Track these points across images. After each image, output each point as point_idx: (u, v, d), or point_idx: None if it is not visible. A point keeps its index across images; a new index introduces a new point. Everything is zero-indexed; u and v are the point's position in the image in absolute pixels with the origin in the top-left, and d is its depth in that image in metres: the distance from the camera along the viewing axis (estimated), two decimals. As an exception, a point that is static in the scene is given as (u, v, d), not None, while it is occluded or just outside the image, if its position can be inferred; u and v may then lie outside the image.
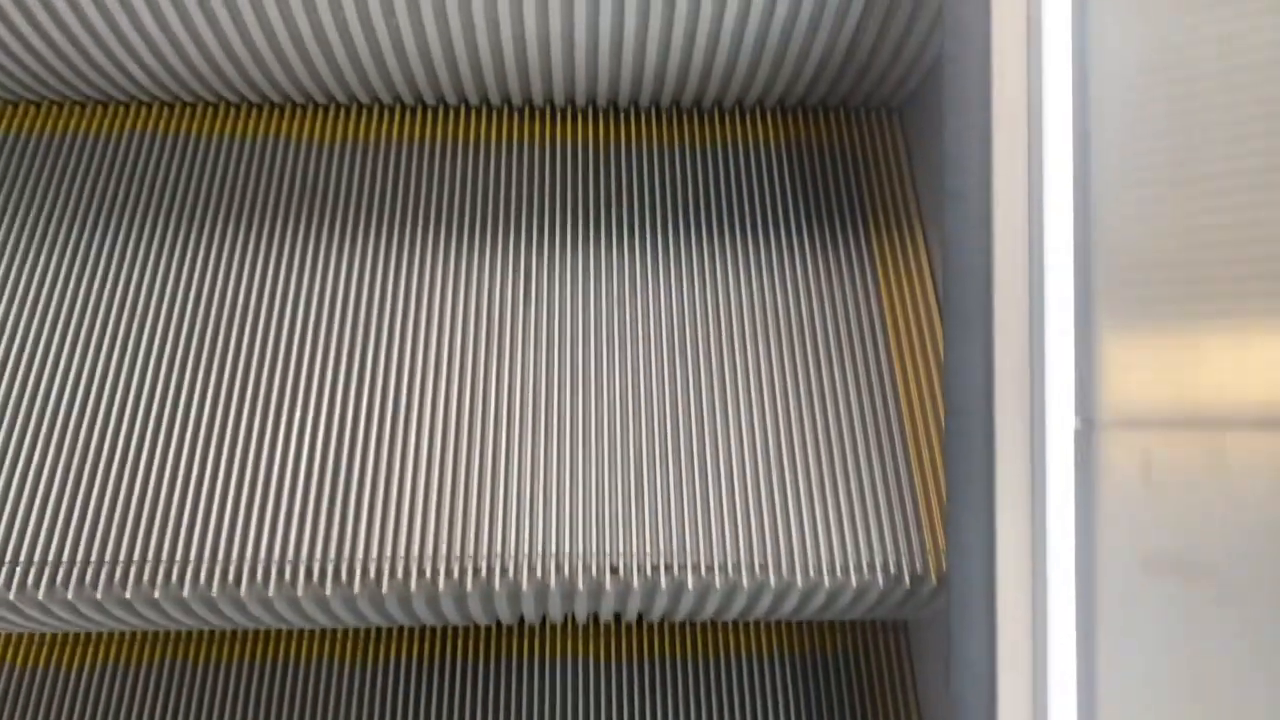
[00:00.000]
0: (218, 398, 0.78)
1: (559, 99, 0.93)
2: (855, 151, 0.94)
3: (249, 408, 0.78)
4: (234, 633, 0.90)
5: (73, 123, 0.91)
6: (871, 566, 0.73)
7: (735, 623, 0.92)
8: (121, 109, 0.92)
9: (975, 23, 0.69)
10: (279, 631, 0.90)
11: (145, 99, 0.92)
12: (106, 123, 0.91)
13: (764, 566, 0.73)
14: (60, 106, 0.92)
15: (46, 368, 0.79)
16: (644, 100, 0.94)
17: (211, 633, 0.91)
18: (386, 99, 0.92)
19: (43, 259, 0.84)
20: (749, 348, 0.82)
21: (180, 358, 0.80)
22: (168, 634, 0.91)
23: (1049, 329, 0.64)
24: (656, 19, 0.81)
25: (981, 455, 0.65)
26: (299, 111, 0.93)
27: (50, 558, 0.71)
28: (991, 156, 0.63)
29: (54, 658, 0.89)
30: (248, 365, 0.79)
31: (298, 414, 0.77)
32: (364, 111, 0.93)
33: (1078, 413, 0.63)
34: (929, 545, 0.74)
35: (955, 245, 0.67)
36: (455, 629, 0.91)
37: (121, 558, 0.71)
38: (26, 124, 0.91)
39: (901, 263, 0.87)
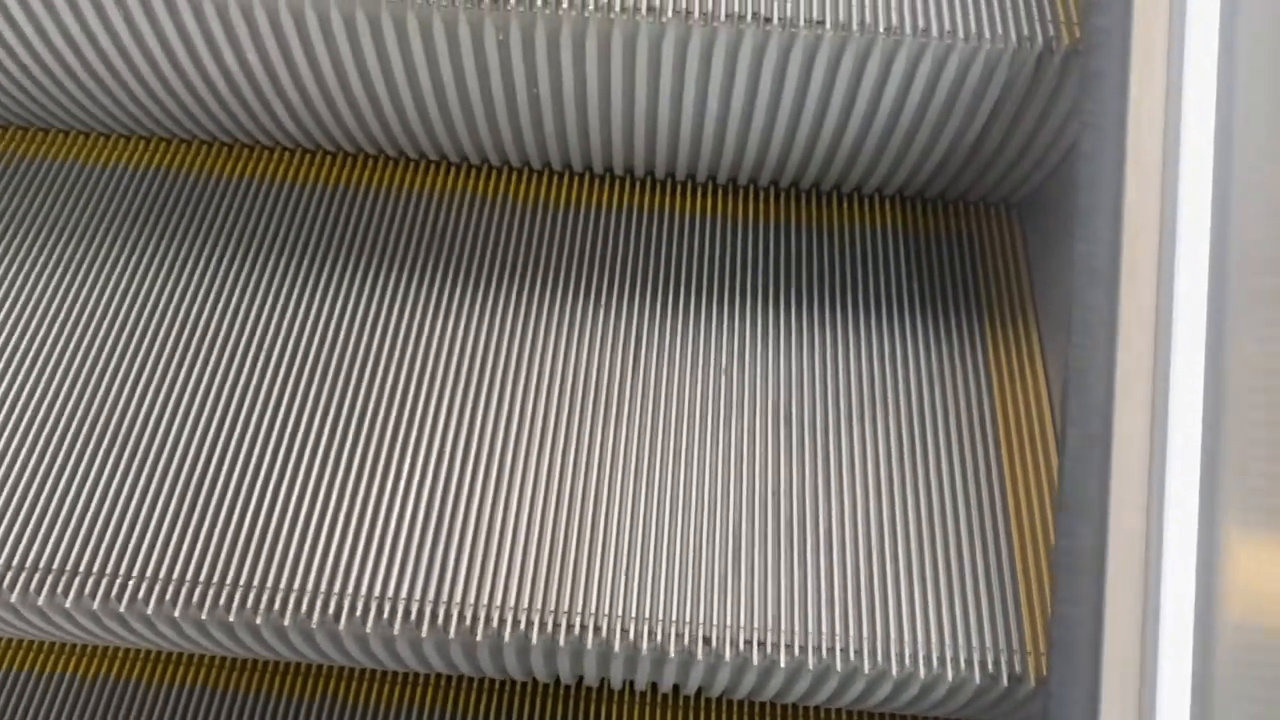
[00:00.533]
0: (328, 437, 0.80)
1: (680, 173, 0.96)
2: (972, 243, 0.94)
3: (359, 448, 0.80)
4: (307, 667, 0.92)
5: (207, 163, 0.96)
6: (969, 662, 0.71)
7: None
8: (253, 152, 0.97)
9: (1111, 125, 0.69)
10: (336, 670, 0.92)
11: (284, 145, 0.97)
12: (236, 166, 0.96)
13: (859, 651, 0.72)
14: (183, 144, 0.97)
15: (160, 395, 0.82)
16: (763, 180, 0.96)
17: (296, 666, 0.93)
18: (515, 162, 0.96)
19: (175, 288, 0.88)
20: (855, 428, 0.82)
21: (292, 392, 0.82)
22: (251, 663, 0.93)
23: (1171, 452, 0.63)
24: (785, 111, 0.83)
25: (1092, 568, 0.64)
26: (419, 166, 0.97)
27: (150, 574, 0.73)
28: (1120, 270, 0.63)
29: (132, 671, 0.92)
30: (357, 407, 0.82)
31: (406, 459, 0.79)
32: (487, 170, 0.97)
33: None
34: (1029, 646, 0.72)
35: (1078, 357, 0.66)
36: (522, 686, 0.91)
37: (229, 581, 0.73)
38: (145, 158, 0.97)
39: (1015, 357, 0.87)
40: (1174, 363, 0.65)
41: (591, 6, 0.76)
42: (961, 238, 0.95)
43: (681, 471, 0.80)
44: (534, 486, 0.78)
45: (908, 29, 0.75)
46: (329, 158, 0.97)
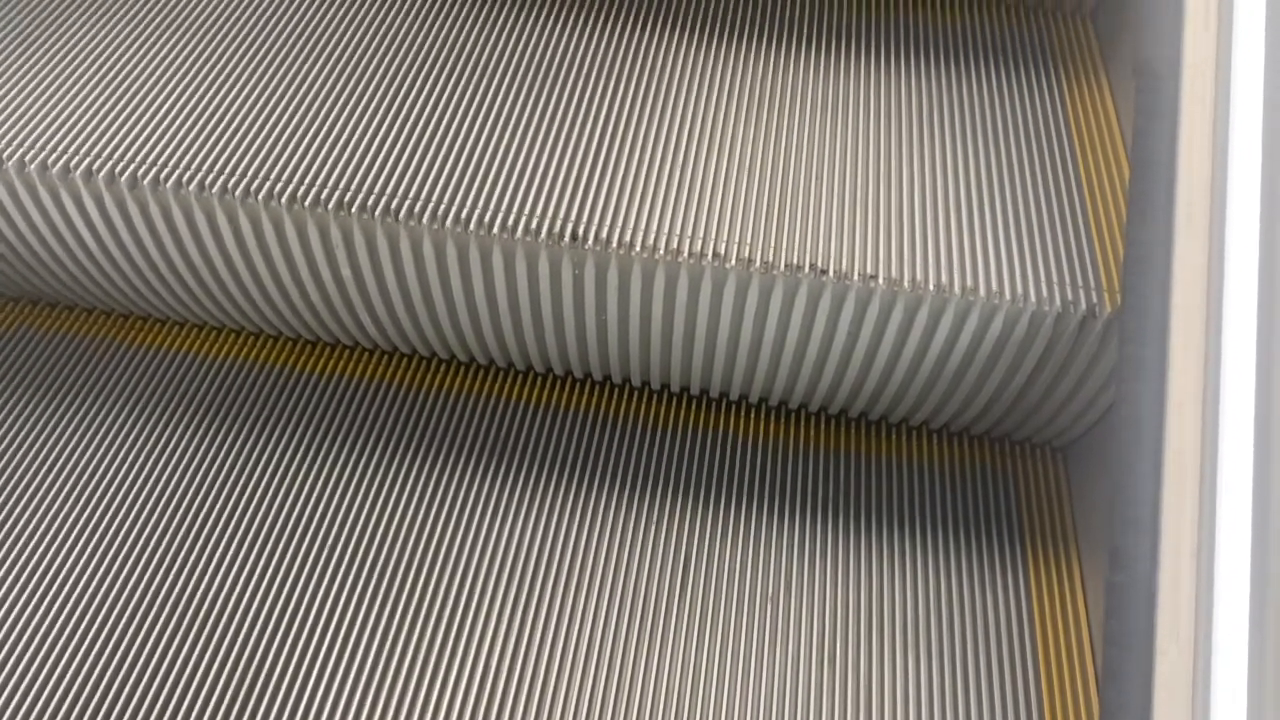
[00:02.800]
0: (371, 634, 0.83)
1: (734, 394, 1.00)
2: (1016, 482, 0.96)
3: (406, 652, 0.82)
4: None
5: (272, 356, 1.03)
6: None
7: None
8: (316, 348, 1.04)
9: (1152, 382, 0.72)
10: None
11: (349, 345, 1.03)
12: (301, 360, 1.03)
13: None
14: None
15: (213, 580, 0.85)
16: (813, 406, 1.00)
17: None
18: (577, 374, 1.01)
19: (230, 475, 0.93)
20: (898, 656, 0.83)
21: (341, 582, 0.85)
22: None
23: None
24: (836, 351, 0.88)
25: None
26: (481, 371, 1.03)
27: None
28: (1160, 533, 0.65)
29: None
30: (400, 606, 0.84)
31: (448, 667, 0.81)
32: (548, 380, 1.02)
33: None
34: None
35: (1118, 607, 0.67)
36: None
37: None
38: (216, 349, 1.03)
39: (1057, 597, 0.88)
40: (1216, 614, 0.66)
41: (662, 250, 0.82)
42: (1006, 475, 0.97)
43: (726, 697, 0.81)
44: (575, 707, 0.80)
45: (956, 288, 0.80)
46: (394, 358, 1.03)
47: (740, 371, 0.95)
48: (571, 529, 0.91)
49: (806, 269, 0.81)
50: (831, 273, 0.81)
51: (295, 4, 1.03)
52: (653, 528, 0.91)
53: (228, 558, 0.87)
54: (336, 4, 1.03)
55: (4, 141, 0.87)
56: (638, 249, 0.83)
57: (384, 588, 0.86)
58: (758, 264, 0.82)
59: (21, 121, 0.89)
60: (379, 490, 0.93)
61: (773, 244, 0.83)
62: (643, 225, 0.84)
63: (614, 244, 0.83)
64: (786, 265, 0.82)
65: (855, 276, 0.81)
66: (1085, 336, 0.81)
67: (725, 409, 1.01)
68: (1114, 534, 0.70)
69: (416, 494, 0.92)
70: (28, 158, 0.85)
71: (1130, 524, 0.70)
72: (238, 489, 0.92)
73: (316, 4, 1.03)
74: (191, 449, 0.95)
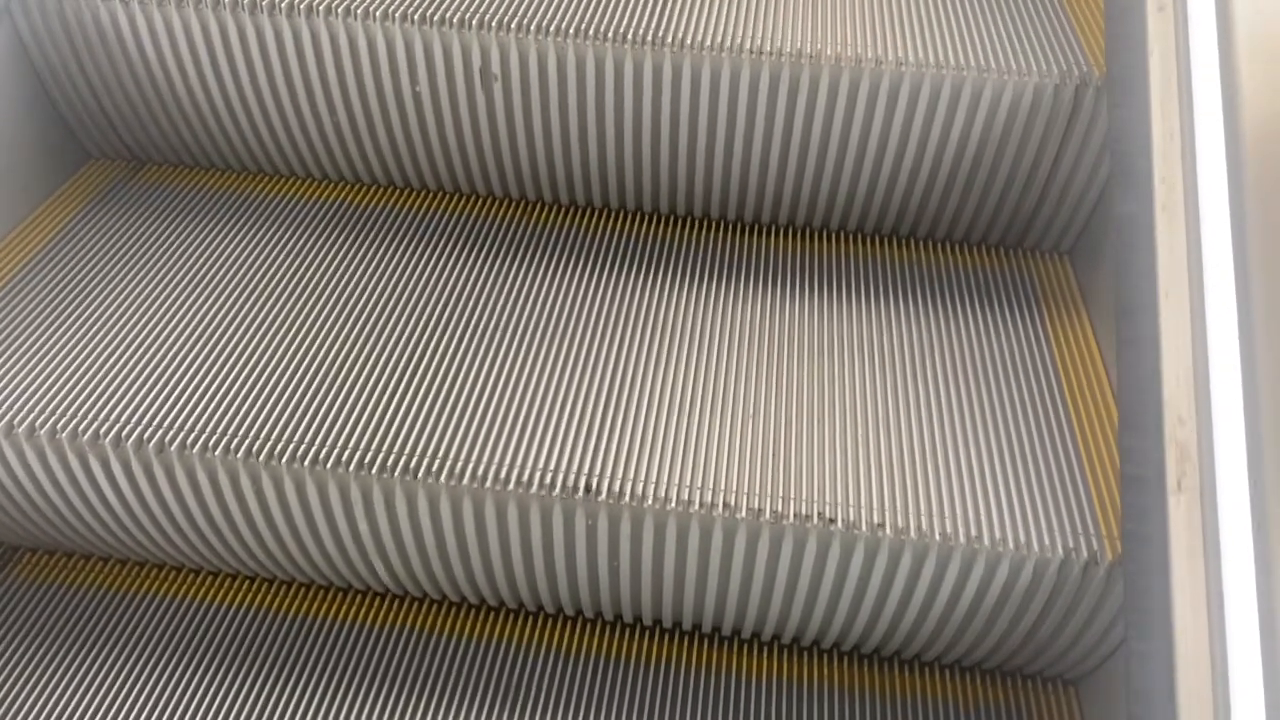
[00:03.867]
0: None
1: (745, 633, 1.01)
2: (1029, 716, 0.96)
3: None
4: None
5: (291, 604, 1.03)
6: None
7: None
8: (333, 593, 1.04)
9: (1159, 639, 0.74)
10: None
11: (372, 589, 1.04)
12: (318, 606, 1.03)
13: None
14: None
15: None
16: (824, 644, 1.00)
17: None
18: (588, 614, 1.02)
19: (268, 738, 0.92)
20: None
21: None
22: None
23: None
24: (846, 600, 0.89)
25: None
26: (500, 614, 1.03)
27: None
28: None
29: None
30: None
31: None
32: (571, 622, 1.03)
33: None
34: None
35: None
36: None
37: None
38: (234, 597, 1.04)
39: None
40: None
41: (673, 502, 0.85)
42: (1019, 708, 0.97)
43: None
44: None
45: (961, 537, 0.83)
46: (404, 602, 1.04)
47: (752, 613, 0.96)
48: (587, 783, 0.90)
49: (815, 519, 0.84)
50: (840, 522, 0.84)
51: (311, 265, 1.09)
52: (670, 780, 0.90)
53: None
54: (353, 267, 1.09)
55: (38, 409, 0.90)
56: (649, 501, 0.85)
57: None
58: (767, 515, 0.84)
59: (52, 389, 0.92)
60: None
61: (781, 494, 0.86)
62: (654, 478, 0.87)
63: (626, 497, 0.85)
64: (795, 515, 0.84)
65: (863, 526, 0.84)
66: (1088, 582, 0.83)
67: (737, 647, 1.02)
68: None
69: (430, 748, 0.92)
70: (59, 425, 0.88)
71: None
72: (249, 747, 0.91)
73: (334, 266, 1.09)
74: (197, 698, 0.94)
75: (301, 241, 1.11)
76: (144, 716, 0.93)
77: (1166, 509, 0.71)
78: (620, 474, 0.87)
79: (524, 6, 1.07)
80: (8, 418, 0.89)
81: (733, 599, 0.93)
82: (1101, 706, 0.93)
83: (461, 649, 1.00)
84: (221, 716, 0.93)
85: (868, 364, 1.00)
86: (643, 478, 0.87)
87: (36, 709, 0.93)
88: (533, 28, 1.04)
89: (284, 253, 1.10)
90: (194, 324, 1.00)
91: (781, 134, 1.07)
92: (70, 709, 0.93)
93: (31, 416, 0.89)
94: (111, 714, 0.93)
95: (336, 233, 1.13)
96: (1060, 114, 1.02)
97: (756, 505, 0.85)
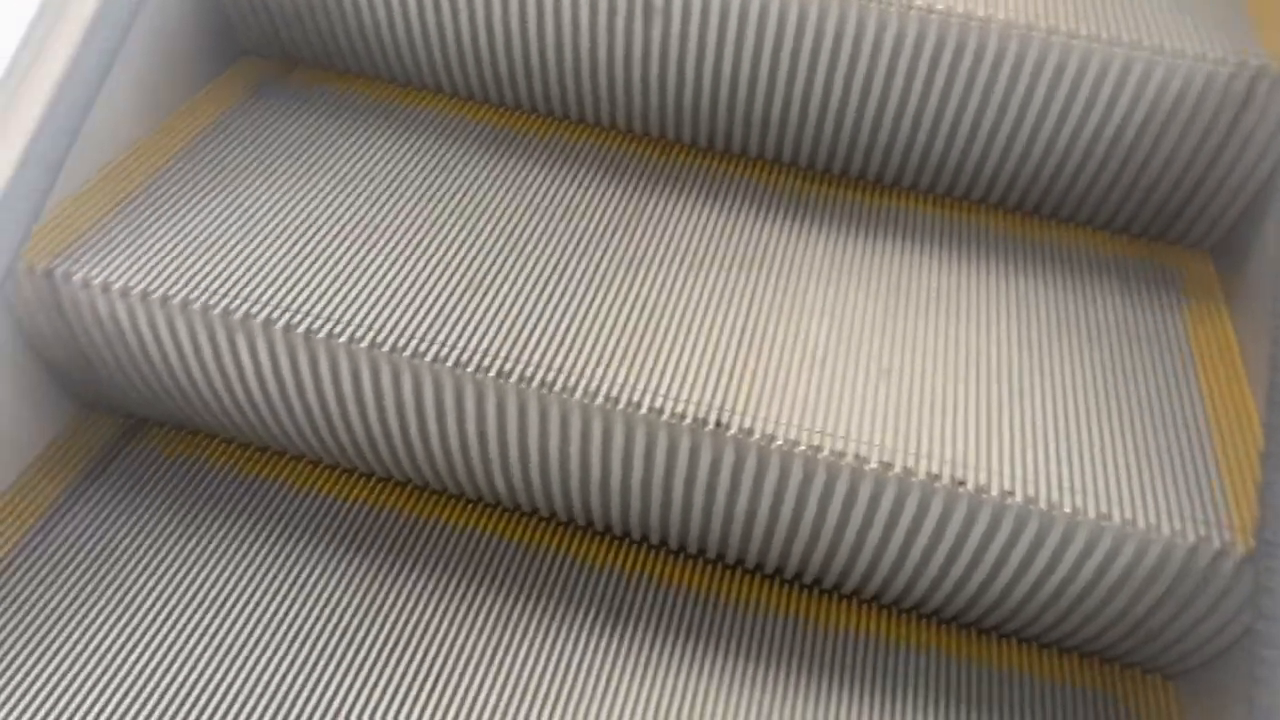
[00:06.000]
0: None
1: (847, 588, 1.01)
2: (1122, 705, 0.95)
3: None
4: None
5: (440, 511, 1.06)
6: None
7: None
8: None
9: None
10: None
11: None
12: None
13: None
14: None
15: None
16: (922, 608, 1.00)
17: None
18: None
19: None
20: None
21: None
22: None
23: None
24: (959, 567, 0.89)
25: None
26: (617, 542, 1.05)
27: None
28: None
29: None
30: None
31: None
32: (671, 554, 1.04)
33: None
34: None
35: None
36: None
37: None
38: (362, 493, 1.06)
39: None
40: None
41: (803, 445, 0.85)
42: (1111, 695, 0.96)
43: None
44: None
45: (1090, 513, 0.82)
46: (524, 518, 1.06)
47: (860, 569, 0.96)
48: (679, 698, 0.91)
49: (945, 479, 0.84)
50: (970, 485, 0.84)
51: (460, 178, 1.10)
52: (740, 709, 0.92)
53: (351, 695, 0.89)
54: (500, 185, 1.10)
55: (190, 283, 0.93)
56: (778, 442, 0.86)
57: (496, 752, 0.86)
58: (897, 469, 0.85)
59: (205, 266, 0.95)
60: (497, 642, 0.94)
61: (912, 450, 0.86)
62: (784, 419, 0.87)
63: (755, 435, 0.86)
64: (926, 474, 0.84)
65: (993, 491, 0.83)
66: (1213, 573, 0.82)
67: (835, 601, 1.02)
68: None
69: (535, 649, 0.94)
70: (210, 302, 0.91)
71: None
72: (365, 623, 0.94)
73: (480, 181, 1.10)
74: (310, 582, 0.97)
75: (450, 155, 1.13)
76: (254, 591, 0.96)
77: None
78: (751, 412, 0.88)
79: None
80: (161, 290, 0.92)
81: (844, 552, 0.94)
82: (1204, 707, 0.92)
83: (564, 567, 1.02)
84: (333, 602, 0.96)
85: (1004, 333, 0.99)
86: (773, 419, 0.88)
87: (158, 573, 0.97)
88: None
89: (432, 163, 1.11)
90: (344, 220, 1.02)
91: (938, 96, 1.06)
92: (186, 575, 0.97)
93: (185, 290, 0.92)
94: (220, 585, 0.96)
95: (485, 151, 1.14)
96: (1229, 104, 1.00)
97: (887, 459, 0.85)
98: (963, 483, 0.84)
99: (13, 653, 0.91)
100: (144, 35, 1.10)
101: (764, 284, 1.01)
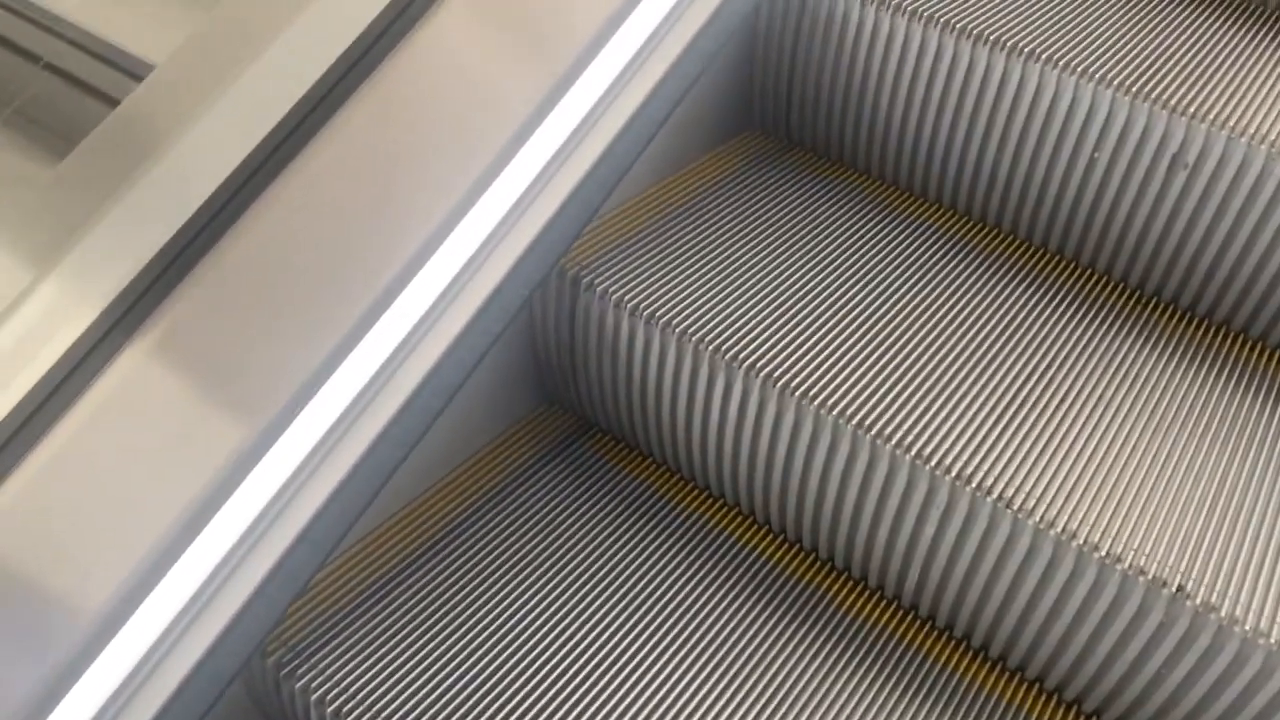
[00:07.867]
0: None
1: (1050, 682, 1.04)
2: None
3: None
4: None
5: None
6: None
7: None
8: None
9: None
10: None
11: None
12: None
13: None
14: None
15: None
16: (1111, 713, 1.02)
17: None
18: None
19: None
20: None
21: None
22: None
23: None
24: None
25: None
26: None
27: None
28: None
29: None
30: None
31: None
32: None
33: None
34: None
35: None
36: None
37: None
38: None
39: None
40: None
41: (1080, 541, 0.92)
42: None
43: None
44: None
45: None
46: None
47: (1064, 663, 0.98)
48: None
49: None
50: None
51: (934, 282, 1.15)
52: None
53: None
54: (968, 295, 1.13)
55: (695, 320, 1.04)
56: (1057, 530, 0.93)
57: None
58: (1171, 589, 0.88)
59: (710, 306, 1.06)
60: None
61: (1193, 575, 0.89)
62: (1069, 509, 0.94)
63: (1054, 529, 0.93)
64: (1202, 603, 0.87)
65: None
66: None
67: (1026, 687, 1.05)
68: None
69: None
70: (706, 339, 1.01)
71: None
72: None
73: (952, 289, 1.14)
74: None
75: (934, 261, 1.17)
76: (666, 610, 1.03)
77: None
78: (1049, 501, 0.96)
79: (1230, 103, 1.06)
80: (667, 316, 1.03)
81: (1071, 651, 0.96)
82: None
83: (809, 598, 1.10)
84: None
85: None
86: (1058, 507, 0.95)
87: (583, 557, 1.07)
88: (1234, 128, 1.02)
89: (909, 261, 1.16)
90: (826, 289, 1.10)
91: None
92: (600, 569, 1.06)
93: (687, 323, 1.03)
94: (634, 591, 1.04)
95: (954, 260, 1.18)
96: None
97: (1164, 577, 0.89)
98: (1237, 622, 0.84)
99: (467, 590, 1.06)
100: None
101: (1102, 396, 1.07)
